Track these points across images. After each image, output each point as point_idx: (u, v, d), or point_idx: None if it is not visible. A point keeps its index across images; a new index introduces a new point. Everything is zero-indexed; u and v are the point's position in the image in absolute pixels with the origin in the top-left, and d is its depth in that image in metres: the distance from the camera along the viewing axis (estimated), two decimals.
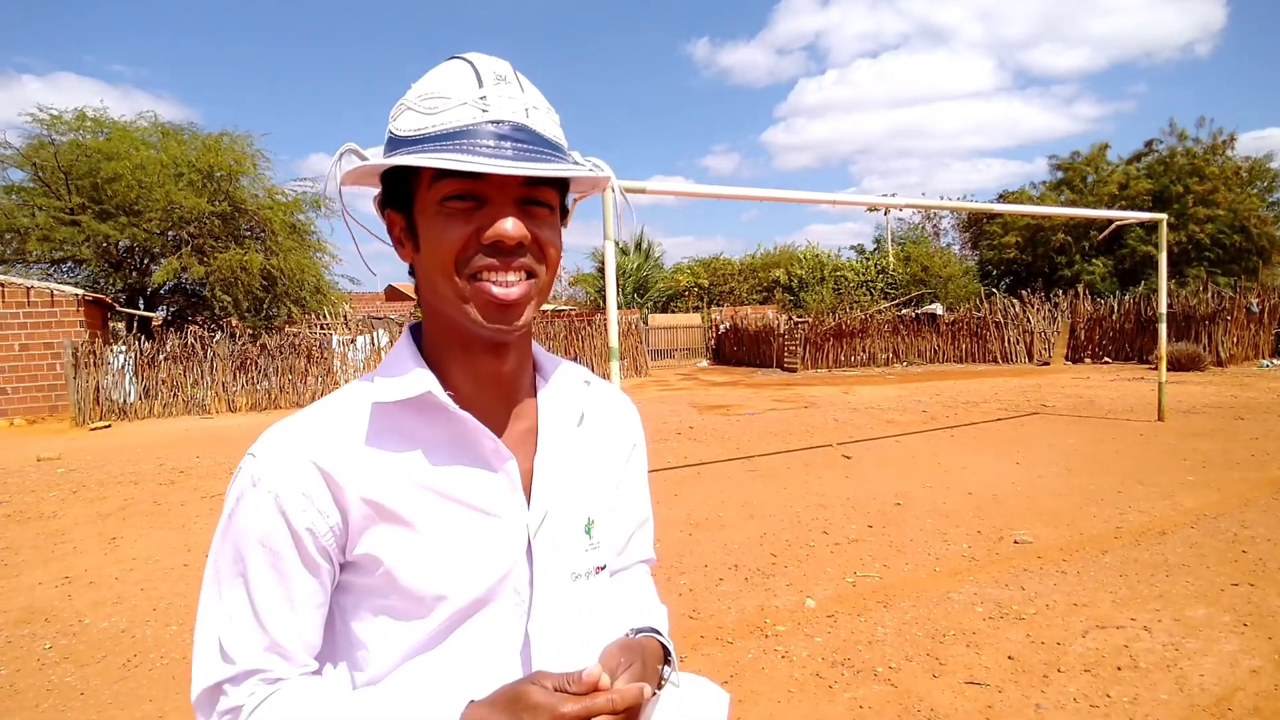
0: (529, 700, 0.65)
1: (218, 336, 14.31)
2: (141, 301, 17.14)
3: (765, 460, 7.11)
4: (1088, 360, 18.08)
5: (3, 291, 13.05)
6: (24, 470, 7.99)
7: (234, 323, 16.81)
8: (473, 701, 0.68)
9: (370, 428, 0.76)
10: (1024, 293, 19.89)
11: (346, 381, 7.97)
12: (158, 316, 16.87)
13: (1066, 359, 18.53)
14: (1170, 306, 15.21)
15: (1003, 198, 26.73)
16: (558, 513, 0.83)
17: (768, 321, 21.82)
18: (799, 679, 2.80)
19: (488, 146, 0.68)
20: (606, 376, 6.54)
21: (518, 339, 0.80)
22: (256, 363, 14.20)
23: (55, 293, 13.44)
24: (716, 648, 3.10)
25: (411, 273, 0.81)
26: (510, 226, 0.71)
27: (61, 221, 15.06)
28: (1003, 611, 3.32)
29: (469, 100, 0.70)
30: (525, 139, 0.70)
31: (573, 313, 23.53)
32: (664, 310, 30.08)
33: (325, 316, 17.92)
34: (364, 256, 0.86)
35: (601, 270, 26.48)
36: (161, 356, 13.48)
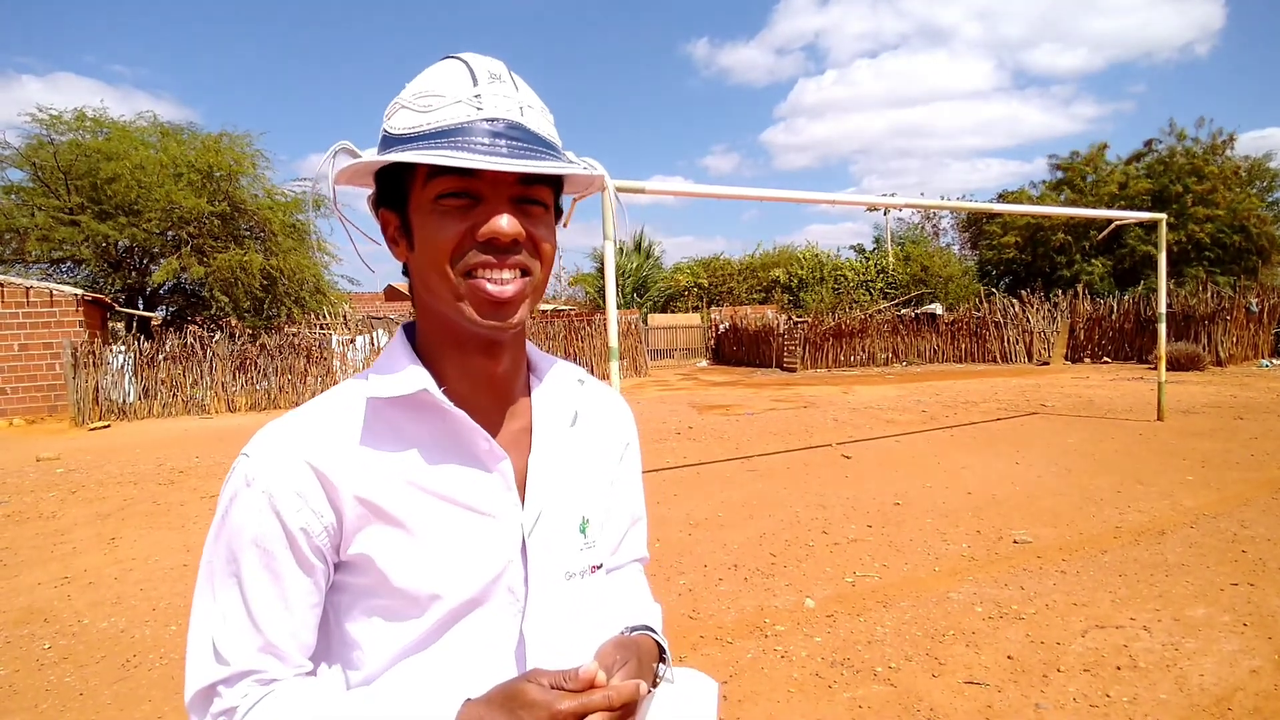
0: (526, 698, 0.65)
1: (217, 336, 14.32)
2: (141, 301, 17.14)
3: (765, 460, 7.10)
4: (1087, 360, 18.08)
5: (2, 291, 13.05)
6: (23, 470, 7.99)
7: (233, 323, 16.80)
8: (469, 700, 0.68)
9: (365, 427, 0.76)
10: (1023, 292, 19.90)
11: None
12: (157, 316, 16.86)
13: (1066, 359, 18.54)
14: (1169, 306, 15.21)
15: (1002, 198, 26.70)
16: (552, 512, 0.82)
17: (767, 321, 21.82)
18: (798, 679, 2.80)
19: (483, 144, 0.69)
20: (606, 376, 6.54)
21: (512, 339, 0.80)
22: (256, 363, 14.20)
23: (54, 293, 13.44)
24: (716, 648, 3.10)
25: (405, 272, 0.81)
26: (505, 224, 0.71)
27: (61, 221, 15.06)
28: (1002, 611, 3.32)
29: (464, 98, 0.70)
30: (520, 137, 0.70)
31: (572, 312, 23.53)
32: (664, 310, 30.09)
33: (324, 316, 17.91)
34: (362, 256, 0.86)
35: (601, 270, 26.49)
36: (161, 356, 13.48)
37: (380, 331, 16.06)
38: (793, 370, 19.31)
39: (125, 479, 7.27)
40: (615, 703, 0.67)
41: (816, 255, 30.32)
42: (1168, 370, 9.48)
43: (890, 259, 28.58)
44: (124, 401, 13.16)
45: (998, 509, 5.03)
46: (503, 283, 0.73)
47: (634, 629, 0.85)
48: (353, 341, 15.45)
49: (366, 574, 0.75)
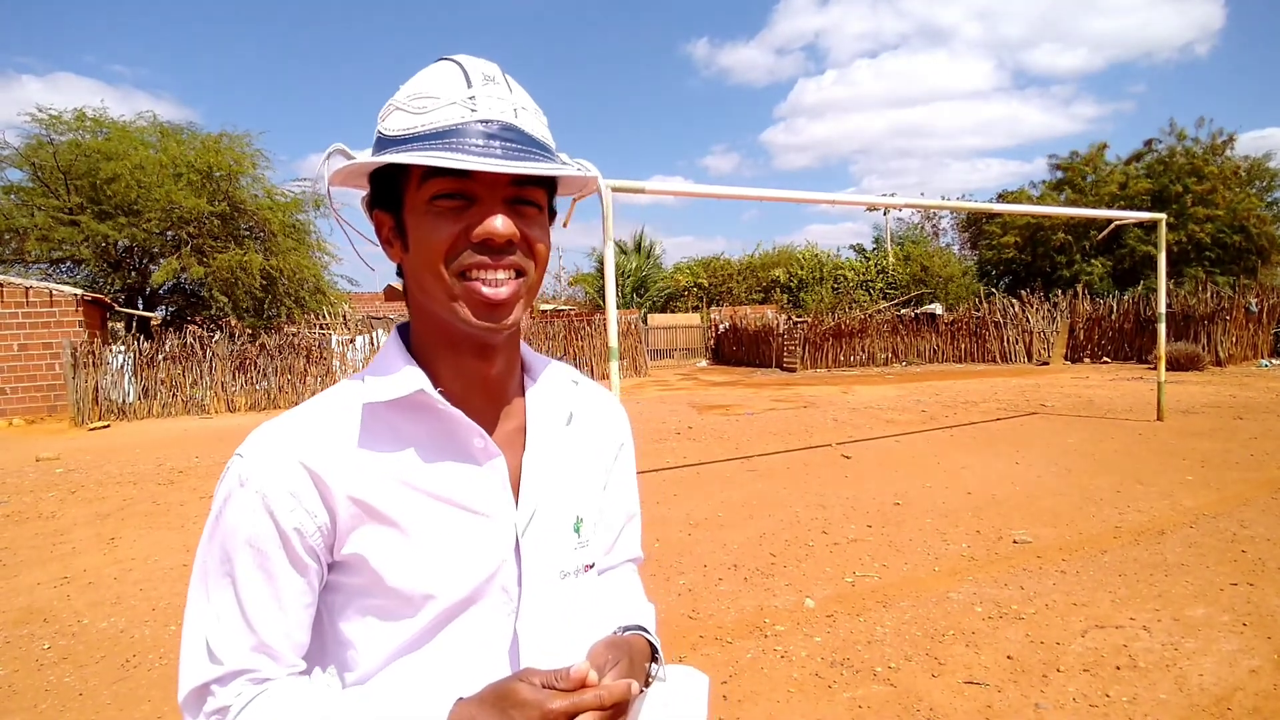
0: (517, 697, 0.66)
1: (217, 336, 14.32)
2: (140, 301, 17.15)
3: (764, 460, 7.10)
4: (1087, 360, 18.08)
5: (2, 292, 13.05)
6: (23, 470, 7.99)
7: (233, 323, 16.81)
8: (461, 699, 0.68)
9: (359, 427, 0.76)
10: (1023, 292, 19.90)
11: None
12: (156, 316, 16.87)
13: (1065, 359, 18.54)
14: (1169, 306, 15.21)
15: (1002, 198, 26.67)
16: (546, 511, 0.83)
17: (767, 321, 21.82)
18: (798, 679, 2.80)
19: (477, 145, 0.69)
20: (606, 376, 6.55)
21: (506, 340, 0.81)
22: (255, 363, 14.20)
23: (54, 293, 13.44)
24: (716, 648, 3.10)
25: (400, 273, 0.81)
26: (500, 224, 0.71)
27: (60, 221, 15.07)
28: (1002, 611, 3.32)
29: (458, 100, 0.71)
30: (514, 138, 0.71)
31: (572, 313, 23.54)
32: (663, 310, 30.09)
33: (324, 316, 17.93)
34: (361, 255, 0.86)
35: (601, 270, 26.48)
36: (160, 356, 13.48)
37: (380, 331, 16.08)
38: (792, 370, 19.31)
39: (125, 479, 7.27)
40: (606, 702, 0.67)
41: (816, 255, 30.34)
42: (1167, 370, 9.48)
43: (890, 259, 28.58)
44: (124, 401, 13.16)
45: (997, 509, 5.03)
46: (497, 284, 0.73)
47: (626, 629, 0.85)
48: (352, 341, 15.45)
49: (360, 574, 0.75)
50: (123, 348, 13.42)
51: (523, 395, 0.86)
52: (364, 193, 0.80)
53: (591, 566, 0.88)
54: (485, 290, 0.73)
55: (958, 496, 5.40)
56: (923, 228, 35.17)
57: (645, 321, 24.25)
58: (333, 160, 0.74)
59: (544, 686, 0.67)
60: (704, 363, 23.84)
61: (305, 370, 14.59)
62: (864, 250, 31.26)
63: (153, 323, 16.34)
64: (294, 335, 15.03)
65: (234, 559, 0.73)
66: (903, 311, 21.03)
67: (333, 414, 0.77)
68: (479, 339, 0.77)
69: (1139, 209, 20.63)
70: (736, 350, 22.98)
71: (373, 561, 0.74)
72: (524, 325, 0.80)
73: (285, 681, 0.74)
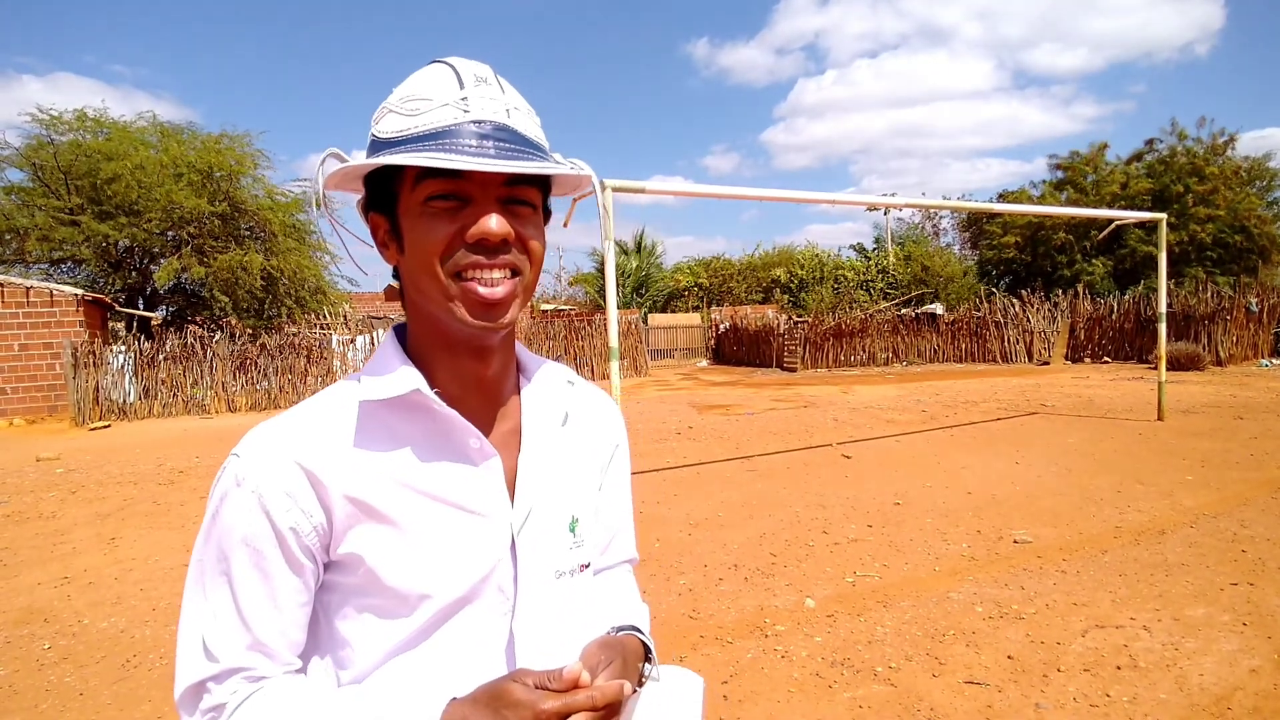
0: (510, 697, 0.66)
1: (217, 336, 14.33)
2: (141, 301, 17.15)
3: (765, 460, 7.10)
4: (1087, 360, 18.07)
5: (2, 292, 13.06)
6: (23, 470, 7.99)
7: (233, 323, 16.82)
8: (454, 699, 0.69)
9: (355, 427, 0.77)
10: (1024, 292, 19.89)
11: None
12: (157, 316, 16.87)
13: (1066, 359, 18.53)
14: (1170, 306, 15.21)
15: (1002, 197, 26.67)
16: (542, 511, 0.83)
17: (767, 321, 21.83)
18: (799, 679, 2.80)
19: (470, 146, 0.69)
20: (607, 376, 6.54)
21: (502, 341, 0.81)
22: (256, 363, 14.21)
23: (55, 293, 13.45)
24: (716, 648, 3.09)
25: (396, 275, 0.81)
26: (494, 224, 0.72)
27: (61, 221, 15.07)
28: (1002, 611, 3.32)
29: (450, 101, 0.71)
30: (507, 138, 0.71)
31: (572, 312, 23.55)
32: (664, 310, 30.10)
33: (325, 316, 17.94)
34: (354, 258, 0.87)
35: (601, 270, 26.50)
36: (161, 356, 13.49)
37: (380, 331, 16.09)
38: (793, 370, 19.31)
39: (125, 479, 7.27)
40: (599, 703, 0.67)
41: (817, 255, 30.32)
42: (1168, 370, 9.47)
43: (890, 259, 28.57)
44: (124, 401, 13.17)
45: (998, 509, 5.02)
46: (493, 284, 0.74)
47: (620, 629, 0.85)
48: (353, 341, 15.46)
49: (356, 573, 0.75)
50: (123, 348, 13.44)
51: (518, 396, 0.87)
52: (359, 196, 0.80)
53: (587, 566, 0.88)
54: (481, 290, 0.73)
55: (958, 496, 5.40)
56: (923, 228, 35.18)
57: (645, 321, 24.27)
58: (327, 164, 0.74)
59: (537, 687, 0.67)
60: (704, 362, 23.84)
61: (306, 370, 14.59)
62: (864, 250, 31.26)
63: (153, 323, 16.35)
64: (294, 335, 15.04)
65: (230, 558, 0.73)
66: (903, 311, 21.03)
67: (329, 414, 0.77)
68: (475, 339, 0.78)
69: (1140, 209, 20.63)
70: (737, 350, 22.98)
71: (369, 561, 0.75)
72: (524, 325, 0.81)
73: (281, 680, 0.74)
